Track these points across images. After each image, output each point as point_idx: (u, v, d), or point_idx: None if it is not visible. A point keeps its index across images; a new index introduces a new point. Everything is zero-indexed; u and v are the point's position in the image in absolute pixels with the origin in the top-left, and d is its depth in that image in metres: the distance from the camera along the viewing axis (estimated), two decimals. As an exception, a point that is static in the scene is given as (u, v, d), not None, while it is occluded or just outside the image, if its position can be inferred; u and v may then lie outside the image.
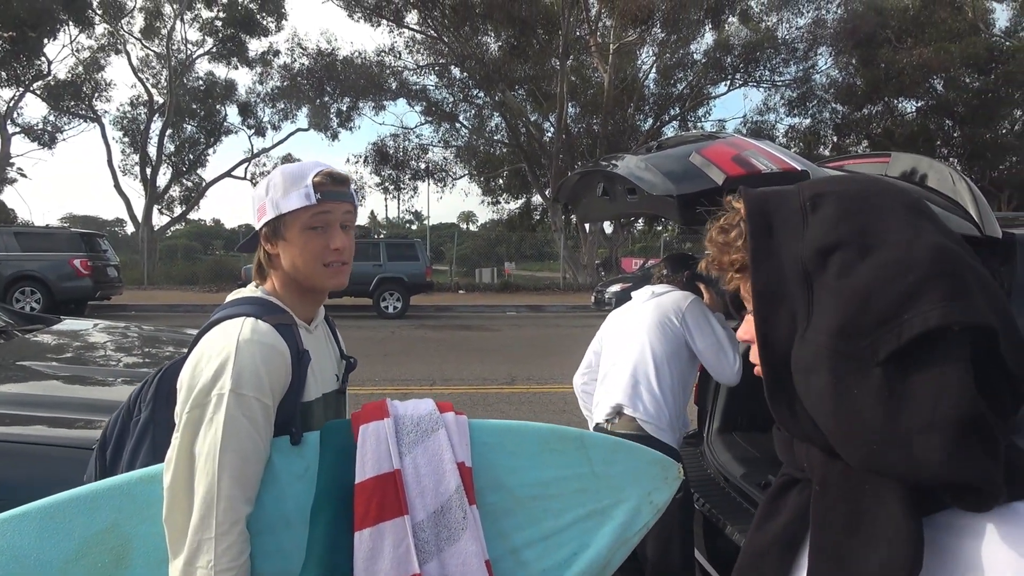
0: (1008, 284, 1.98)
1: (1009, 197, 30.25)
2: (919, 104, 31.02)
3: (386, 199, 34.26)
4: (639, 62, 28.52)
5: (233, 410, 1.33)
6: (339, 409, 1.70)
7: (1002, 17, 31.91)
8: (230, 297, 1.58)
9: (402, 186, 30.11)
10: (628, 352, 2.79)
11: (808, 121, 30.32)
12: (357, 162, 29.37)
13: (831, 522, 0.72)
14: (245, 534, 1.34)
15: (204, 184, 30.14)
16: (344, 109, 28.28)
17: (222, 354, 1.37)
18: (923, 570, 0.65)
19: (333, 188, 1.51)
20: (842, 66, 29.27)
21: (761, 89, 29.51)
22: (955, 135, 30.58)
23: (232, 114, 49.50)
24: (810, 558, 0.73)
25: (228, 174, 29.94)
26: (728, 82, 28.95)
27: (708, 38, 27.87)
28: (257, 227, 1.54)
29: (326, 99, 27.89)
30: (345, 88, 27.07)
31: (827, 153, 28.94)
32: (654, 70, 28.77)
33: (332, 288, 1.57)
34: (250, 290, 1.58)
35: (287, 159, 29.79)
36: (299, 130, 29.86)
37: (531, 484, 1.53)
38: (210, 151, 30.28)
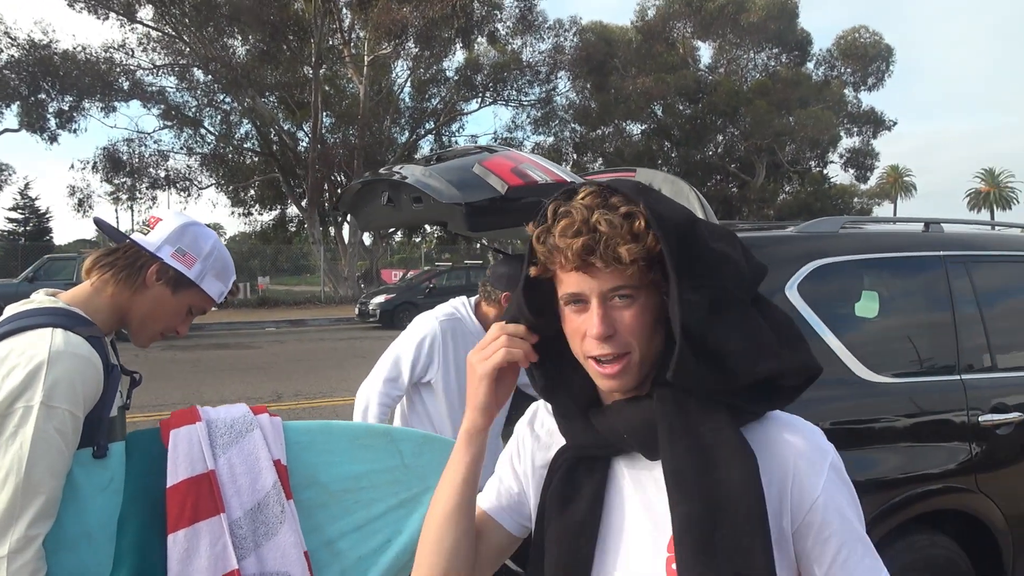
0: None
1: (716, 210, 34.92)
2: (643, 127, 34.89)
3: (118, 209, 31.09)
4: (394, 75, 28.81)
5: (43, 423, 1.28)
6: (123, 424, 1.66)
7: (705, 55, 37.03)
8: (16, 308, 1.47)
9: (138, 195, 27.45)
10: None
11: (551, 139, 32.71)
12: (84, 168, 26.24)
13: (689, 464, 0.90)
14: (41, 552, 1.28)
15: None
16: (65, 108, 25.11)
17: (31, 364, 1.31)
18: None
19: (228, 297, 1.72)
20: (579, 90, 32.01)
21: (509, 108, 31.27)
22: (673, 155, 34.82)
23: (-86, 108, 41.61)
24: (681, 505, 0.89)
25: (-89, 179, 25.17)
26: (479, 99, 30.26)
27: (460, 56, 28.97)
28: (163, 257, 1.54)
29: (42, 96, 24.56)
30: (66, 85, 24.05)
31: (569, 169, 31.37)
32: (409, 84, 29.24)
33: (137, 345, 1.68)
34: (45, 300, 1.49)
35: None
36: (7, 130, 25.91)
37: (344, 478, 1.59)
38: None
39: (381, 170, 2.53)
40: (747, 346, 0.92)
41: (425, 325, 2.64)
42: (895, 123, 36.84)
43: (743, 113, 32.76)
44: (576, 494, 1.00)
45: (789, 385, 0.96)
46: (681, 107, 33.93)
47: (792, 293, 2.42)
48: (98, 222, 1.65)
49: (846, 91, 35.98)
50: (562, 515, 0.99)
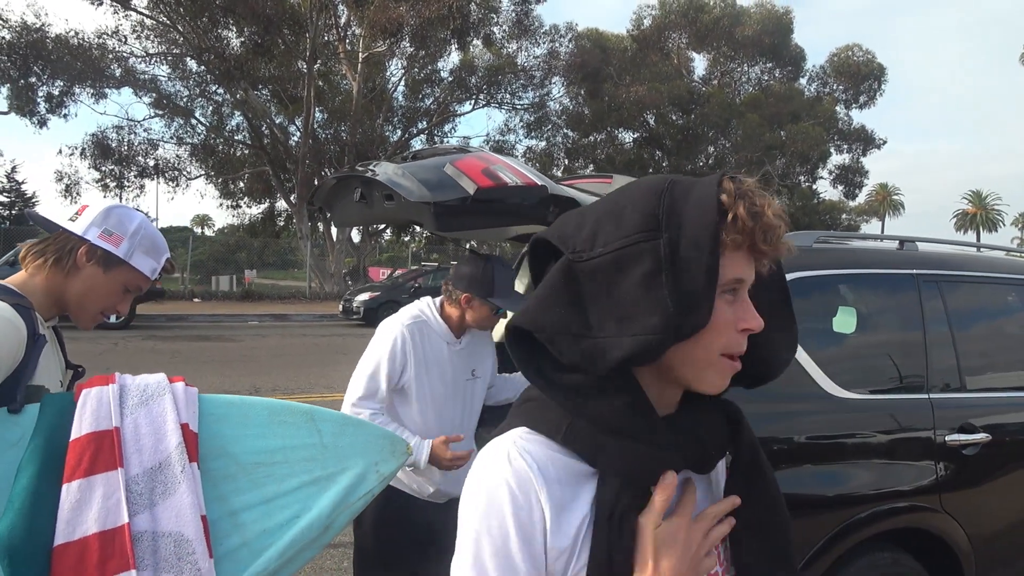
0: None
1: (705, 221, 35.16)
2: (635, 135, 34.99)
3: (105, 197, 30.77)
4: (388, 73, 28.77)
5: None
6: None
7: (700, 66, 37.22)
8: None
9: (126, 184, 27.24)
10: None
11: (544, 144, 32.76)
12: (72, 154, 26.02)
13: (766, 465, 0.96)
14: None
15: None
16: (56, 93, 24.88)
17: None
18: None
19: (162, 273, 1.75)
20: (572, 95, 32.07)
21: (503, 110, 31.29)
22: (664, 164, 34.92)
23: (-100, 87, 41.07)
24: (764, 507, 0.93)
25: None
26: (473, 101, 30.26)
27: (454, 57, 28.98)
28: (89, 238, 1.61)
29: (32, 80, 24.33)
30: (57, 70, 23.84)
31: (560, 174, 31.44)
32: (403, 83, 29.19)
33: (81, 327, 1.72)
34: None
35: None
36: (-4, 112, 25.68)
37: (256, 452, 1.57)
38: None
39: (357, 166, 2.51)
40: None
41: (391, 332, 2.53)
42: (885, 142, 37.22)
43: (735, 125, 32.94)
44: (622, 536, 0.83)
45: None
46: (674, 117, 34.07)
47: (762, 306, 2.41)
48: (29, 215, 1.69)
49: (837, 108, 36.26)
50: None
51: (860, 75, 35.45)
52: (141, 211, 1.73)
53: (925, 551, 2.62)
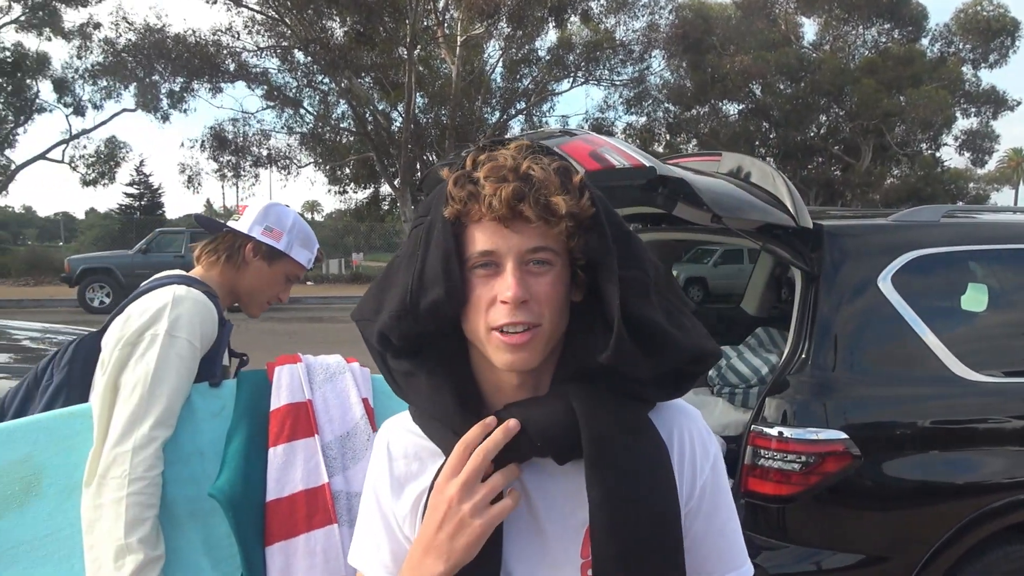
0: (818, 267, 2.32)
1: (816, 194, 33.62)
2: (741, 107, 33.69)
3: (223, 186, 32.78)
4: (486, 55, 28.89)
5: (166, 348, 1.53)
6: None
7: (810, 31, 35.38)
8: (154, 276, 1.75)
9: (242, 173, 28.69)
10: None
11: (644, 119, 32.05)
12: (193, 147, 27.59)
13: (621, 463, 0.85)
14: (159, 452, 1.50)
15: (14, 167, 27.15)
16: (177, 90, 26.48)
17: (157, 304, 1.58)
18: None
19: (314, 261, 1.96)
20: (673, 68, 31.19)
21: (601, 87, 30.78)
22: (771, 137, 33.54)
23: (46, 90, 44.88)
24: (610, 507, 0.83)
25: (43, 156, 27.13)
26: (571, 79, 29.93)
27: (552, 36, 28.70)
28: (255, 235, 1.79)
29: (156, 78, 25.97)
30: (177, 67, 25.30)
31: (661, 150, 30.75)
32: (501, 64, 29.26)
33: (251, 316, 1.92)
34: (172, 272, 1.77)
35: (112, 142, 27.58)
36: (125, 110, 27.62)
37: None
38: (20, 130, 27.29)
39: (462, 152, 2.55)
40: (677, 330, 0.88)
41: None
42: (1019, 103, 34.20)
43: (849, 92, 31.14)
44: None
45: (691, 372, 0.92)
46: (782, 86, 32.55)
47: (885, 285, 2.30)
48: (198, 219, 1.89)
49: (964, 69, 33.63)
50: None
51: (990, 31, 32.65)
52: (289, 207, 1.90)
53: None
